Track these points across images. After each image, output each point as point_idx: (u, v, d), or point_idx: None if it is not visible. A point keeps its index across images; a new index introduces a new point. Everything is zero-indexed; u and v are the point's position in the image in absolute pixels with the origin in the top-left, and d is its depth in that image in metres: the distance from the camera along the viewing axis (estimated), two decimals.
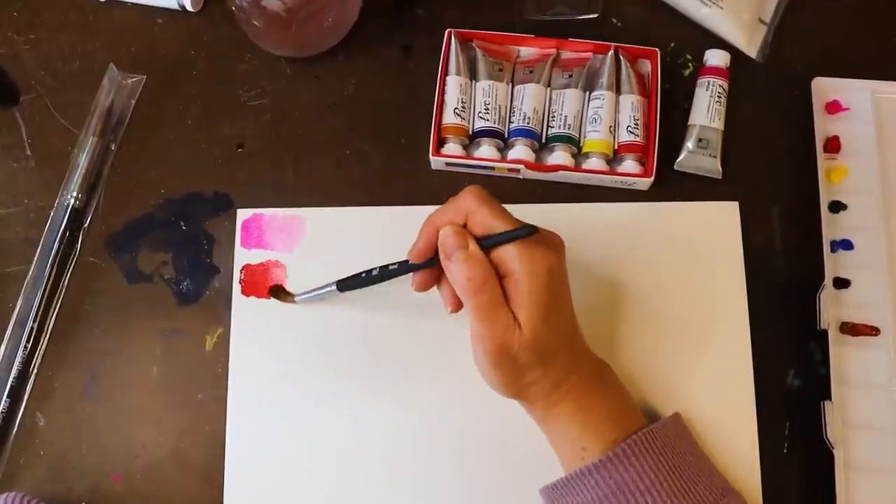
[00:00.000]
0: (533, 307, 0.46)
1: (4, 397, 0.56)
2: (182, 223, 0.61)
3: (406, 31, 0.65)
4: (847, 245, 0.58)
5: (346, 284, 0.55)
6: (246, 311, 0.58)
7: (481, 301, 0.46)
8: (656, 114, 0.60)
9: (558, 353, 0.48)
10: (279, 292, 0.58)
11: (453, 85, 0.61)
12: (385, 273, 0.52)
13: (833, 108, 0.61)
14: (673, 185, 0.61)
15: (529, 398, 0.49)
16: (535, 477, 0.51)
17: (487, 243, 0.47)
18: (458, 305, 0.50)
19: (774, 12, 0.65)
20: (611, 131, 0.60)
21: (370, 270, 0.53)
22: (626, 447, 0.48)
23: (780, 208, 0.60)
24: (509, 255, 0.46)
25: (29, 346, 0.57)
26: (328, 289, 0.56)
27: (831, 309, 0.56)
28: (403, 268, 0.51)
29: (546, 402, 0.49)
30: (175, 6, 0.64)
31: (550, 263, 0.47)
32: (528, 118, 0.60)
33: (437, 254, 0.49)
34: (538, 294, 0.46)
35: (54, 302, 0.59)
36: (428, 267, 0.50)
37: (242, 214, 0.60)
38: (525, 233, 0.46)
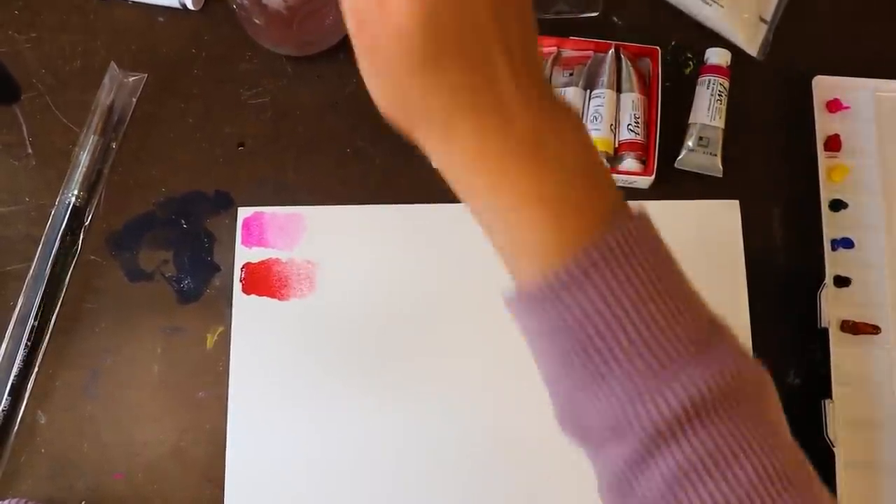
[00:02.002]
0: None
1: (6, 395, 0.57)
2: (183, 221, 0.61)
3: None
4: (848, 243, 0.58)
5: None
6: (247, 310, 0.58)
7: None
8: (657, 112, 0.60)
9: (483, 54, 0.32)
10: None
11: None
12: None
13: (834, 106, 0.61)
14: (673, 183, 0.61)
15: (423, 121, 0.34)
16: (544, 482, 0.51)
17: None
18: None
19: (775, 11, 0.65)
20: (611, 129, 0.60)
21: None
22: (608, 248, 0.33)
23: (780, 207, 0.60)
24: None
25: (30, 344, 0.57)
26: None
27: (832, 307, 0.56)
28: None
29: (453, 132, 0.33)
30: (176, 5, 0.64)
31: None
32: None
33: None
34: None
35: (55, 300, 0.59)
36: None
37: (243, 213, 0.60)
38: None
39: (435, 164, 0.35)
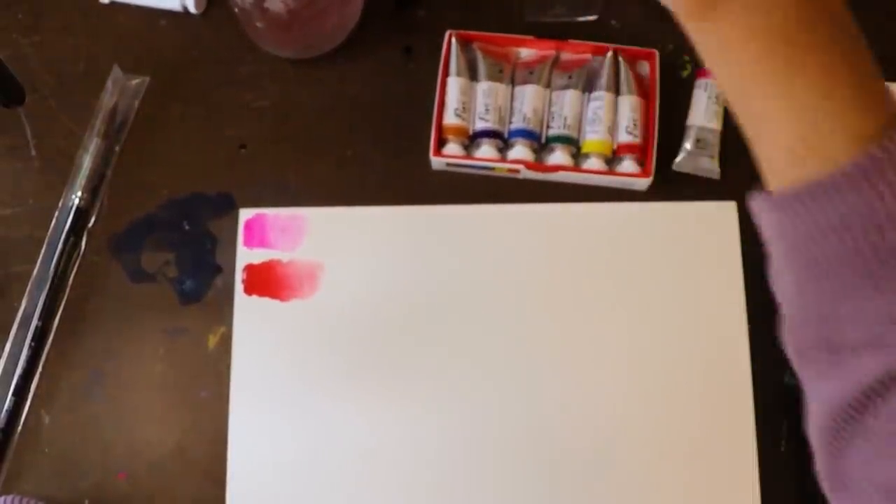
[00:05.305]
0: None
1: (9, 396, 0.57)
2: (185, 223, 0.61)
3: (407, 33, 0.65)
4: None
5: None
6: (248, 310, 0.59)
7: None
8: (655, 115, 0.60)
9: None
10: None
11: (454, 86, 0.61)
12: None
13: None
14: (671, 185, 0.61)
15: (726, 14, 0.32)
16: (547, 486, 0.51)
17: None
18: None
19: None
20: (609, 132, 0.60)
21: None
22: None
23: None
24: None
25: (34, 345, 0.58)
26: None
27: None
28: None
29: (751, 26, 0.32)
30: (178, 8, 0.65)
31: None
32: (528, 119, 0.60)
33: None
34: None
35: (58, 301, 0.59)
36: None
37: (245, 214, 0.61)
38: None
39: (714, 55, 0.33)
